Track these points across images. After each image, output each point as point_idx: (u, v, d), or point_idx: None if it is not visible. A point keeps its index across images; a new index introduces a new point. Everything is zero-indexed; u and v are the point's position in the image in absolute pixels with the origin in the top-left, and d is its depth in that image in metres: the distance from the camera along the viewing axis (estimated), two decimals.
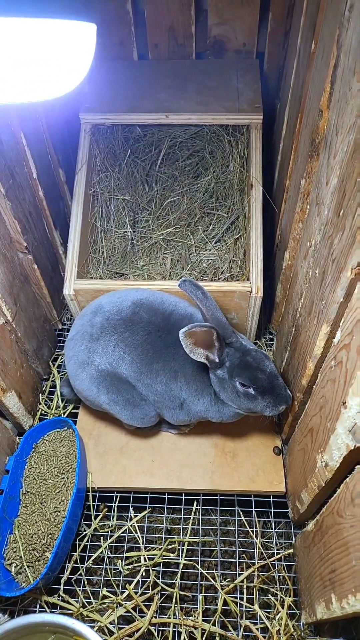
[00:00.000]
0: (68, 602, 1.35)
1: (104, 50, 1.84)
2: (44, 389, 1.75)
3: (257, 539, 1.43)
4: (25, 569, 1.33)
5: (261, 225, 1.57)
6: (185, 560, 1.40)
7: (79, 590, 1.37)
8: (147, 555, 1.41)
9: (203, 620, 1.29)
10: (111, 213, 1.72)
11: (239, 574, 1.38)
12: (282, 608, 1.30)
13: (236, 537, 1.46)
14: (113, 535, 1.45)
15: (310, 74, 1.23)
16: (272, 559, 1.40)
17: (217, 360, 1.25)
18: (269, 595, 1.35)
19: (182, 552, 1.41)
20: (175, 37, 1.80)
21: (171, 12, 1.73)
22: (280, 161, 1.73)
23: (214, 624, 1.28)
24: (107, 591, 1.36)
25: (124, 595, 1.35)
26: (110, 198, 1.72)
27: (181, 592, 1.35)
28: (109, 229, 1.71)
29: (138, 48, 1.84)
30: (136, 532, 1.45)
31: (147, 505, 1.51)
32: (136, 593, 1.34)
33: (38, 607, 1.35)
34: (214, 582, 1.36)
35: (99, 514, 1.48)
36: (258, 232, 1.56)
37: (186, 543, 1.43)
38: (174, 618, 1.31)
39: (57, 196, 1.79)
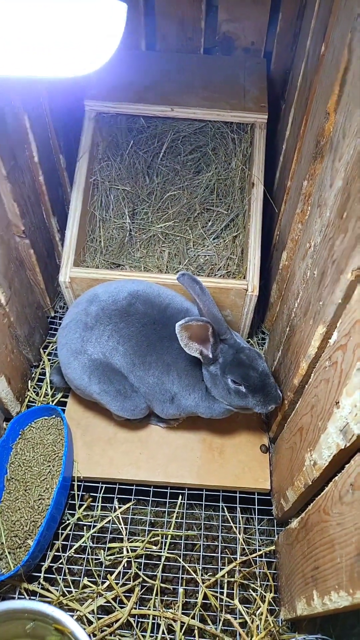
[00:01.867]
0: (48, 590, 1.34)
1: None
2: (33, 375, 1.73)
3: (239, 534, 1.44)
4: (6, 555, 1.32)
5: (260, 225, 1.58)
6: (168, 553, 1.40)
7: (60, 579, 1.36)
8: (130, 546, 1.41)
9: (183, 613, 1.30)
10: (111, 203, 1.71)
11: (221, 569, 1.39)
12: (263, 604, 1.31)
13: (219, 532, 1.47)
14: (96, 525, 1.45)
15: (318, 76, 1.24)
16: (254, 555, 1.41)
17: (210, 355, 1.25)
18: (250, 590, 1.37)
19: (165, 545, 1.41)
20: (184, 30, 1.79)
21: (182, 4, 1.72)
22: (282, 162, 1.74)
23: (193, 617, 1.29)
24: (87, 581, 1.35)
25: (105, 585, 1.34)
26: (111, 187, 1.71)
27: (162, 585, 1.36)
28: (107, 218, 1.70)
29: (146, 38, 1.83)
30: (120, 524, 1.45)
31: (132, 497, 1.51)
32: (117, 584, 1.34)
33: (17, 594, 1.34)
34: (195, 576, 1.37)
35: (84, 504, 1.48)
36: (257, 231, 1.57)
37: (169, 536, 1.43)
38: (153, 610, 1.31)
39: (56, 182, 1.77)
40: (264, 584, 1.37)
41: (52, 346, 1.81)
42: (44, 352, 1.79)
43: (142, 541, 1.41)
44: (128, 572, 1.37)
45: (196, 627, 1.28)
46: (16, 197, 1.40)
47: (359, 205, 0.87)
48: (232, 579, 1.37)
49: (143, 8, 1.73)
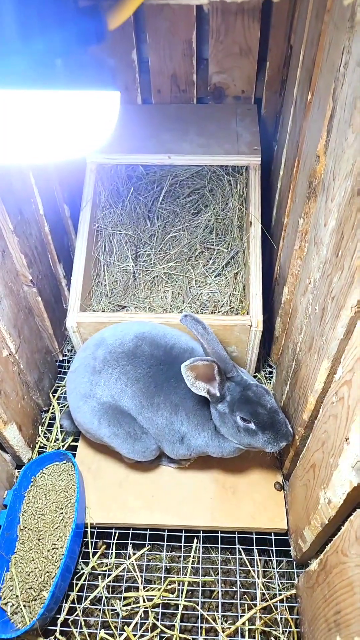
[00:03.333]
0: None
1: None
2: (43, 420, 1.74)
3: (258, 579, 1.40)
4: (21, 609, 1.29)
5: (260, 261, 1.62)
6: (185, 601, 1.36)
7: (76, 632, 1.33)
8: (146, 595, 1.37)
9: None
10: (114, 247, 1.77)
11: (241, 616, 1.34)
12: None
13: (237, 577, 1.42)
14: (111, 574, 1.42)
15: (307, 121, 1.30)
16: (275, 600, 1.36)
17: (218, 394, 1.26)
18: (272, 638, 1.31)
19: (182, 593, 1.38)
20: (177, 83, 1.90)
21: (174, 60, 1.83)
22: (278, 200, 1.80)
23: None
24: (104, 633, 1.31)
25: (122, 637, 1.30)
26: (114, 233, 1.77)
27: (181, 635, 1.31)
28: (111, 262, 1.75)
29: (142, 93, 1.94)
30: (135, 571, 1.42)
31: (147, 542, 1.48)
32: (135, 635, 1.30)
33: None
34: (215, 625, 1.32)
35: (97, 552, 1.45)
36: (257, 268, 1.60)
37: (186, 583, 1.39)
38: None
39: (61, 231, 1.84)
40: (286, 631, 1.31)
41: (62, 390, 1.82)
42: (54, 396, 1.80)
43: (159, 589, 1.37)
44: (145, 623, 1.33)
45: None
46: (23, 249, 1.46)
47: (353, 245, 0.90)
48: (253, 627, 1.32)
49: (138, 66, 1.85)
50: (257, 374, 1.83)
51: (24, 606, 1.29)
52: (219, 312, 1.65)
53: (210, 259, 1.75)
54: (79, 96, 0.74)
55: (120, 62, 1.84)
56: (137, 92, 1.93)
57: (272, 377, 1.83)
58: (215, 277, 1.72)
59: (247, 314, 1.57)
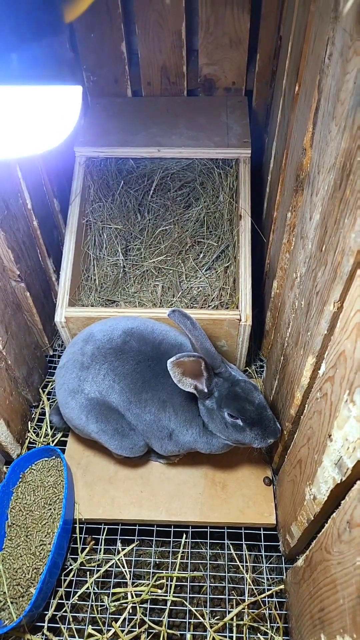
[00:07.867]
0: None
1: (99, 87, 1.92)
2: (33, 416, 1.73)
3: (247, 574, 1.40)
4: (8, 606, 1.29)
5: (250, 255, 1.60)
6: (174, 597, 1.36)
7: (64, 627, 1.33)
8: (135, 591, 1.37)
9: None
10: (104, 241, 1.75)
11: (229, 612, 1.34)
12: None
13: (226, 572, 1.42)
14: (100, 569, 1.41)
15: (294, 114, 1.28)
16: (263, 595, 1.36)
17: (205, 390, 1.25)
18: (259, 634, 1.31)
19: (171, 588, 1.37)
20: (167, 75, 1.87)
21: (163, 52, 1.81)
22: (268, 193, 1.78)
23: None
24: (92, 629, 1.31)
25: (110, 633, 1.30)
26: (103, 227, 1.76)
27: (169, 631, 1.31)
28: (101, 257, 1.74)
29: (132, 85, 1.91)
30: (123, 567, 1.41)
31: (135, 537, 1.48)
32: (122, 631, 1.30)
33: None
34: (203, 620, 1.32)
35: (86, 547, 1.45)
36: (247, 262, 1.59)
37: (175, 578, 1.39)
38: None
39: (51, 225, 1.82)
40: (274, 626, 1.31)
41: (52, 385, 1.81)
42: (44, 391, 1.79)
43: (147, 585, 1.37)
44: (134, 618, 1.33)
45: None
46: (10, 243, 1.45)
47: (336, 239, 0.89)
48: (241, 622, 1.32)
49: (127, 58, 1.82)
50: (247, 368, 1.82)
51: (11, 603, 1.29)
52: (209, 306, 1.63)
53: (200, 252, 1.73)
54: (34, 92, 0.72)
55: (109, 54, 1.81)
56: (127, 84, 1.90)
57: (262, 371, 1.82)
58: (206, 271, 1.70)
59: (237, 308, 1.56)
